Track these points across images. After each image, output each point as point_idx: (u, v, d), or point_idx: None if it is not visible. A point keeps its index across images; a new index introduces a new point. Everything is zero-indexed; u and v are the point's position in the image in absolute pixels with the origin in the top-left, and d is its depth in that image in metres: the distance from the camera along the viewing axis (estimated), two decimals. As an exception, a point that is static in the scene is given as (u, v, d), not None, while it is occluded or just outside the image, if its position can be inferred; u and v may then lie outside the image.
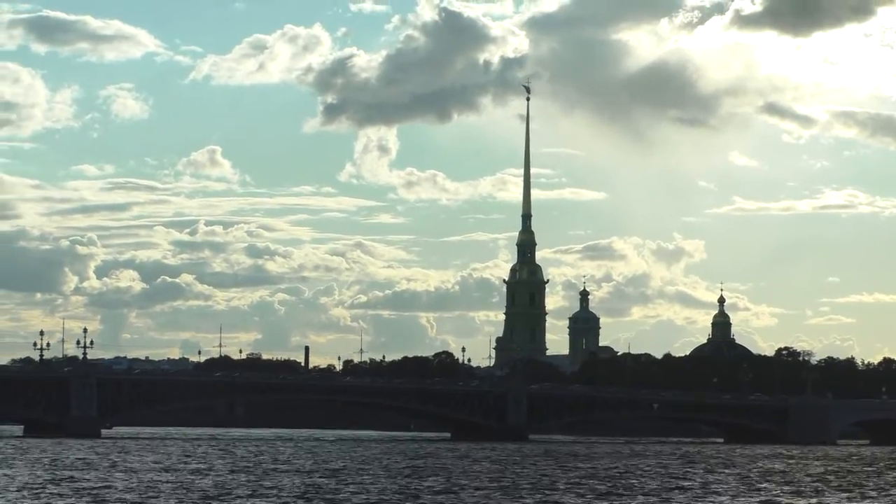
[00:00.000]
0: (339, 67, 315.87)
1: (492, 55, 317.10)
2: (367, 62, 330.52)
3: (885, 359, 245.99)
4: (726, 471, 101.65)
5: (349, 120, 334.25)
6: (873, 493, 78.50)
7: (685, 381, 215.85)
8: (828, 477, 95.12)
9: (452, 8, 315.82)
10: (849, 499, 73.90)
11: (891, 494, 78.11)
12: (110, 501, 62.31)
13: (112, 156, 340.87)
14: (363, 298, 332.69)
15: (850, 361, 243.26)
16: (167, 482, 76.80)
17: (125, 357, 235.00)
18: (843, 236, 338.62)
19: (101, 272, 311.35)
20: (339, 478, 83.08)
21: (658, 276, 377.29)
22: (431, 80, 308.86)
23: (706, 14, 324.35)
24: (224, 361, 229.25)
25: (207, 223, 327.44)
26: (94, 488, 70.73)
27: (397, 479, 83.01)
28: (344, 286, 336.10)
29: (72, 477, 79.98)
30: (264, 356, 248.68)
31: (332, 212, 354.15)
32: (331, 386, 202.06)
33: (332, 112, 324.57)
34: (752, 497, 73.25)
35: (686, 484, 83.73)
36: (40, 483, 74.65)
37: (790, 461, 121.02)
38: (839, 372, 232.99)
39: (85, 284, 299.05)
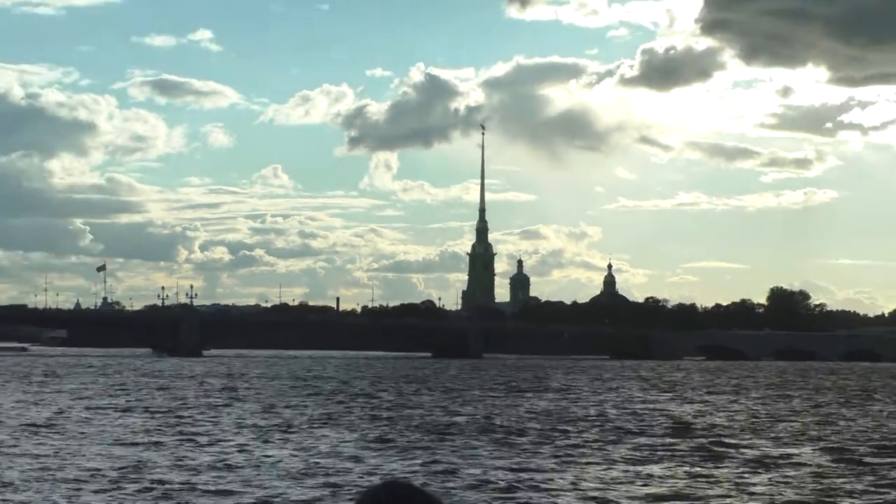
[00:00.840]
0: (359, 113, 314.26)
1: (459, 104, 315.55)
2: (377, 109, 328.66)
3: (716, 304, 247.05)
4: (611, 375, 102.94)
5: (365, 147, 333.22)
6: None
7: (586, 319, 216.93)
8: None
9: (433, 73, 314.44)
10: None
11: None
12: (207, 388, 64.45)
13: (209, 171, 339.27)
14: (375, 265, 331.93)
15: (693, 306, 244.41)
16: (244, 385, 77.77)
17: (219, 304, 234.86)
18: (691, 223, 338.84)
19: (203, 248, 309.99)
20: (358, 377, 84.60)
21: (569, 251, 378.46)
22: (420, 121, 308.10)
23: (601, 77, 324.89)
24: (283, 307, 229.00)
25: (272, 216, 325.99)
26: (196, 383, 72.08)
27: (397, 371, 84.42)
28: (363, 257, 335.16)
29: (188, 374, 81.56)
30: (310, 303, 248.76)
31: (355, 208, 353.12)
32: (352, 323, 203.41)
33: (354, 142, 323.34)
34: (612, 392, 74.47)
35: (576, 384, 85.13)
36: (166, 374, 76.63)
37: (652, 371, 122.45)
38: (686, 313, 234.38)
39: (192, 256, 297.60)
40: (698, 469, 29.76)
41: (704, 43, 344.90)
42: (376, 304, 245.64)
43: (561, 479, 27.35)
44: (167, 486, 25.03)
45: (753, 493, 25.33)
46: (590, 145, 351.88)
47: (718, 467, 30.43)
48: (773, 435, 41.54)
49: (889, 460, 32.62)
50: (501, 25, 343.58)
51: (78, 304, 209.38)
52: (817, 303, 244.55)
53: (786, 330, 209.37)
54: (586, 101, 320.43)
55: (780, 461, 32.21)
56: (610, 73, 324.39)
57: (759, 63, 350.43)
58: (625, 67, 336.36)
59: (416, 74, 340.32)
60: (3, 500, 22.60)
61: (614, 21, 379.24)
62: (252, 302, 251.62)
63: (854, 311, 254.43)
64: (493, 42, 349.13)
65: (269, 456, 31.60)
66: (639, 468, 29.80)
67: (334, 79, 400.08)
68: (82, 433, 38.21)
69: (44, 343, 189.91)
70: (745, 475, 28.68)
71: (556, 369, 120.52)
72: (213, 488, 24.86)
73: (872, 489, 26.36)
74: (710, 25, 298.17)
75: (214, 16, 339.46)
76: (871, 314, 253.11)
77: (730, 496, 24.88)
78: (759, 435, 41.41)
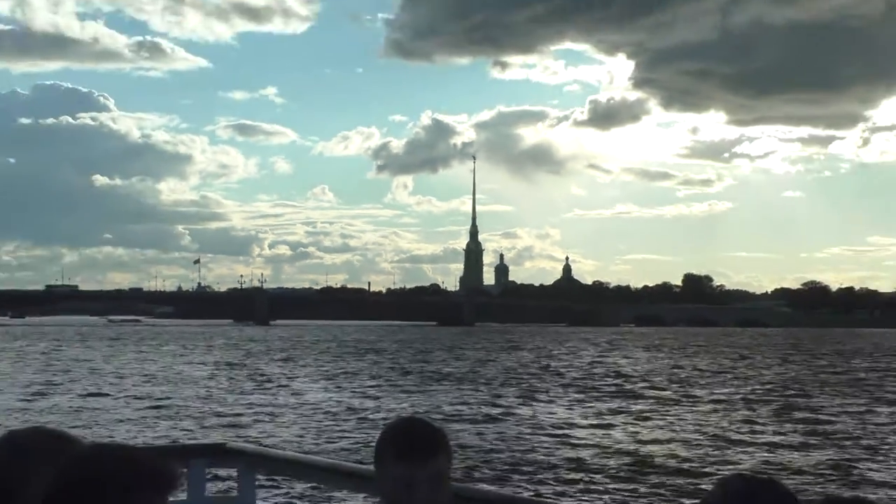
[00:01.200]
0: (384, 147, 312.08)
1: (457, 140, 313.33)
2: (397, 144, 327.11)
3: (644, 285, 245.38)
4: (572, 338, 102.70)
5: (389, 172, 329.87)
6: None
7: (550, 297, 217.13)
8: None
9: (438, 118, 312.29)
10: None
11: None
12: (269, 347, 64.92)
13: (275, 190, 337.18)
14: (396, 258, 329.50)
15: (628, 287, 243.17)
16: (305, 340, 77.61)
17: (282, 286, 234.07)
18: (626, 227, 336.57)
19: (271, 246, 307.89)
20: (385, 337, 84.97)
21: (538, 247, 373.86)
22: (428, 153, 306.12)
23: (560, 120, 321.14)
24: (329, 289, 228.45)
25: (321, 222, 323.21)
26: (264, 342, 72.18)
27: (412, 336, 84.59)
28: (387, 252, 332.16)
29: (259, 338, 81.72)
30: (349, 286, 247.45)
31: (381, 216, 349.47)
32: (379, 301, 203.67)
33: (380, 169, 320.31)
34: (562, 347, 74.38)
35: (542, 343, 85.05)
36: (243, 339, 77.58)
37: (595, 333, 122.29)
38: (623, 292, 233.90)
39: (262, 252, 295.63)
40: (627, 403, 29.96)
41: (635, 95, 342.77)
42: (397, 287, 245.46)
43: (525, 411, 27.57)
44: (240, 417, 25.21)
45: (666, 421, 25.51)
46: (552, 170, 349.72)
47: (636, 403, 30.64)
48: (683, 379, 41.73)
49: (765, 398, 32.88)
50: (487, 83, 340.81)
51: (180, 288, 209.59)
52: (718, 284, 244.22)
53: (695, 304, 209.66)
54: (549, 138, 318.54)
55: (688, 399, 32.43)
56: (566, 118, 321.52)
57: (674, 109, 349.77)
58: (577, 113, 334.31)
59: (425, 119, 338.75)
60: (121, 432, 22.61)
61: (569, 79, 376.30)
62: (306, 285, 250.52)
63: (745, 290, 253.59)
64: (481, 95, 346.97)
65: (317, 395, 31.77)
66: (584, 404, 30.00)
67: (366, 122, 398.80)
68: (181, 380, 38.38)
69: (154, 316, 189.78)
70: (660, 409, 28.89)
71: (527, 333, 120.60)
72: (273, 420, 25.03)
73: (751, 420, 26.61)
74: (639, 82, 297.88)
75: (279, 77, 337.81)
76: (758, 292, 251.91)
77: (648, 424, 25.06)
78: (672, 380, 41.62)
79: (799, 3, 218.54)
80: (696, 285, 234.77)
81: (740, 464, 18.51)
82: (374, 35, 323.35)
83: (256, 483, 4.42)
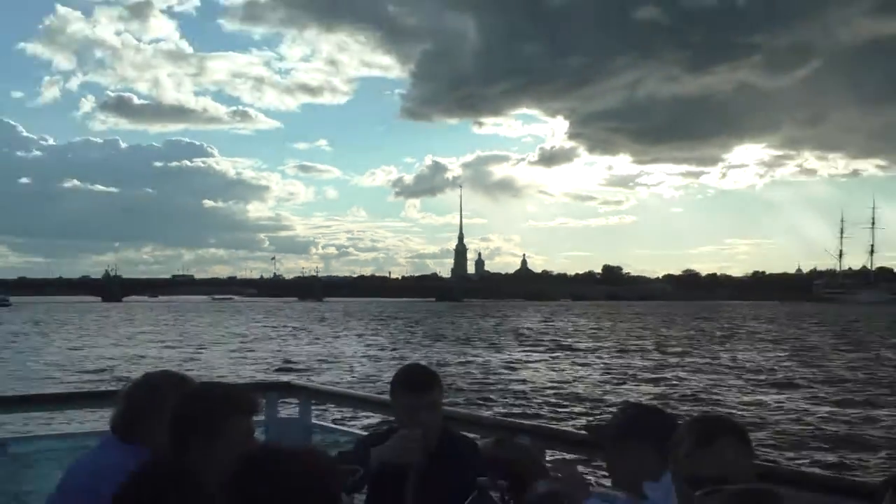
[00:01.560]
0: (399, 180, 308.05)
1: (449, 175, 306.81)
2: (408, 178, 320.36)
3: (576, 273, 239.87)
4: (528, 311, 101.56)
5: (403, 196, 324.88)
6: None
7: (514, 281, 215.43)
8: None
9: (436, 160, 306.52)
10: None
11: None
12: (325, 318, 64.13)
13: (326, 210, 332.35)
14: (408, 255, 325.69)
15: (566, 274, 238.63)
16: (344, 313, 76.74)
17: (331, 275, 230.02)
18: (565, 233, 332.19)
19: (323, 248, 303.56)
20: (397, 310, 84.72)
21: (504, 247, 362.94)
22: (429, 183, 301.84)
23: (518, 161, 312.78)
24: (362, 277, 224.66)
25: (357, 231, 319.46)
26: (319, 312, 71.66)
27: (418, 308, 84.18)
28: (402, 251, 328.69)
29: (315, 310, 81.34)
30: (376, 275, 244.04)
31: (398, 227, 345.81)
32: (398, 285, 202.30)
33: (397, 194, 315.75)
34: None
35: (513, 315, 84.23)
36: (304, 311, 76.82)
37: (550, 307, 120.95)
38: (562, 278, 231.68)
39: (318, 251, 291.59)
40: (562, 352, 30.04)
41: (570, 144, 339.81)
42: (409, 275, 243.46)
43: (493, 357, 27.62)
44: (301, 363, 25.04)
45: (586, 364, 25.62)
46: (514, 194, 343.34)
47: (567, 352, 30.68)
48: (601, 336, 41.70)
49: (653, 349, 32.98)
50: (470, 136, 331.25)
51: (261, 276, 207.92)
52: (626, 271, 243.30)
53: (610, 285, 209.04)
54: (512, 174, 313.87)
55: (602, 349, 32.47)
56: (523, 160, 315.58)
57: (596, 153, 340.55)
58: (530, 156, 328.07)
59: (428, 160, 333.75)
60: (220, 373, 22.02)
61: (525, 134, 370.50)
62: (347, 274, 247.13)
63: (644, 276, 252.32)
64: (465, 143, 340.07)
65: (354, 348, 31.59)
66: (533, 352, 30.05)
67: (387, 163, 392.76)
68: (261, 337, 38.17)
69: (244, 296, 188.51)
70: (582, 356, 28.98)
71: (497, 306, 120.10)
72: (322, 365, 25.01)
73: (642, 363, 26.73)
74: (572, 135, 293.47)
75: (328, 132, 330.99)
76: (652, 277, 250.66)
77: (575, 366, 25.17)
78: (592, 336, 41.60)
79: (679, 83, 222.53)
80: (612, 273, 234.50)
81: (635, 393, 18.74)
82: (393, 104, 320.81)
83: (312, 409, 4.41)
